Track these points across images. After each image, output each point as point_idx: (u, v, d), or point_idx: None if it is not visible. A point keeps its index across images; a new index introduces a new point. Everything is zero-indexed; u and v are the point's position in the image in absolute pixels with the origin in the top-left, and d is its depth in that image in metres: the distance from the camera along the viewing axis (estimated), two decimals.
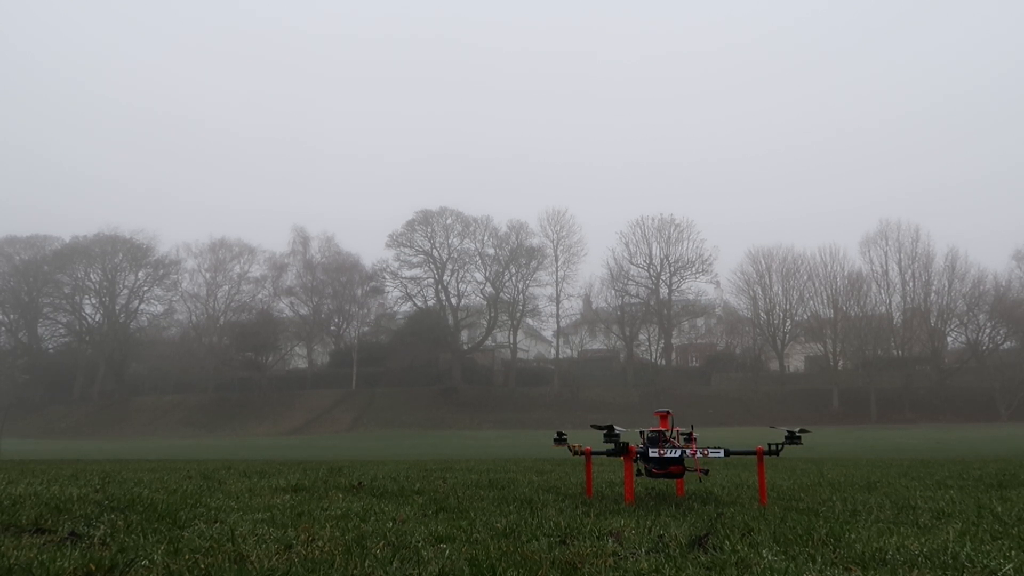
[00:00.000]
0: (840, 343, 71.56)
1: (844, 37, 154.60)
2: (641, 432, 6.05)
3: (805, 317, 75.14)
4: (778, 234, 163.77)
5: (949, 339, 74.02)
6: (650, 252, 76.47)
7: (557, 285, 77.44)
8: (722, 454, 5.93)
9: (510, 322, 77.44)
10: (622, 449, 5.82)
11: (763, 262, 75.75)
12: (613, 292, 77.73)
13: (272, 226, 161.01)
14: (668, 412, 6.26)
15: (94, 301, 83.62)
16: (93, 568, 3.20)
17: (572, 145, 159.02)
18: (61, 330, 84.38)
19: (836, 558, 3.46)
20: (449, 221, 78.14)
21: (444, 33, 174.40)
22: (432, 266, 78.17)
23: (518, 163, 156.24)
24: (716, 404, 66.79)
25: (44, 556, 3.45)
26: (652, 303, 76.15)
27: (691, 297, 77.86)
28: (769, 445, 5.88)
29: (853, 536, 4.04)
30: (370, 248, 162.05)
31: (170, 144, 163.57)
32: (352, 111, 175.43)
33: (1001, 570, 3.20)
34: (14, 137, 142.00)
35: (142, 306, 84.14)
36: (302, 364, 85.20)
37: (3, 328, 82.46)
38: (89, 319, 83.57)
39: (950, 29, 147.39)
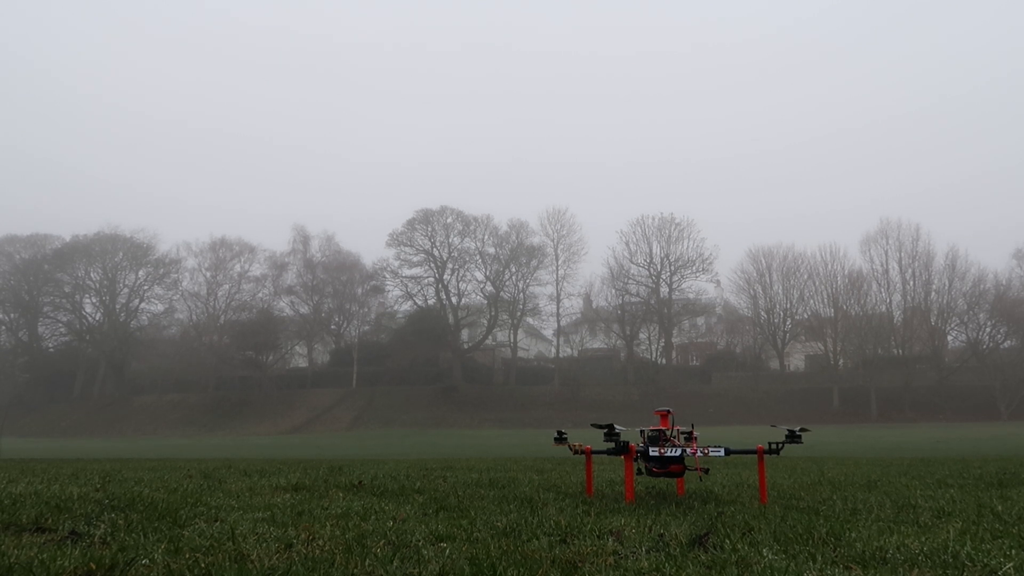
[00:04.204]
0: (840, 342, 71.56)
1: (844, 36, 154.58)
2: (641, 431, 6.05)
3: (805, 316, 75.16)
4: (778, 233, 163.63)
5: (949, 338, 74.09)
6: (650, 251, 76.58)
7: (557, 284, 77.59)
8: (722, 453, 5.93)
9: (510, 321, 77.45)
10: (622, 448, 5.82)
11: (763, 261, 75.87)
12: (613, 291, 77.88)
13: (272, 225, 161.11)
14: (668, 411, 6.26)
15: (94, 300, 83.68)
16: (94, 567, 3.20)
17: (572, 145, 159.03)
18: (61, 329, 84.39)
19: (836, 557, 3.46)
20: (449, 220, 78.20)
21: (443, 36, 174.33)
22: (432, 265, 78.24)
23: (518, 163, 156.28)
24: (716, 403, 66.79)
25: (44, 555, 3.45)
26: (652, 302, 76.16)
27: (691, 296, 77.92)
28: (769, 444, 5.88)
29: (853, 535, 4.04)
30: (370, 247, 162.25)
31: (170, 144, 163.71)
32: (352, 112, 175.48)
33: (1001, 569, 3.20)
34: (15, 138, 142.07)
35: (142, 305, 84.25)
36: (302, 363, 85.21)
37: (3, 327, 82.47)
38: (89, 318, 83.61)
39: (950, 28, 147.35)
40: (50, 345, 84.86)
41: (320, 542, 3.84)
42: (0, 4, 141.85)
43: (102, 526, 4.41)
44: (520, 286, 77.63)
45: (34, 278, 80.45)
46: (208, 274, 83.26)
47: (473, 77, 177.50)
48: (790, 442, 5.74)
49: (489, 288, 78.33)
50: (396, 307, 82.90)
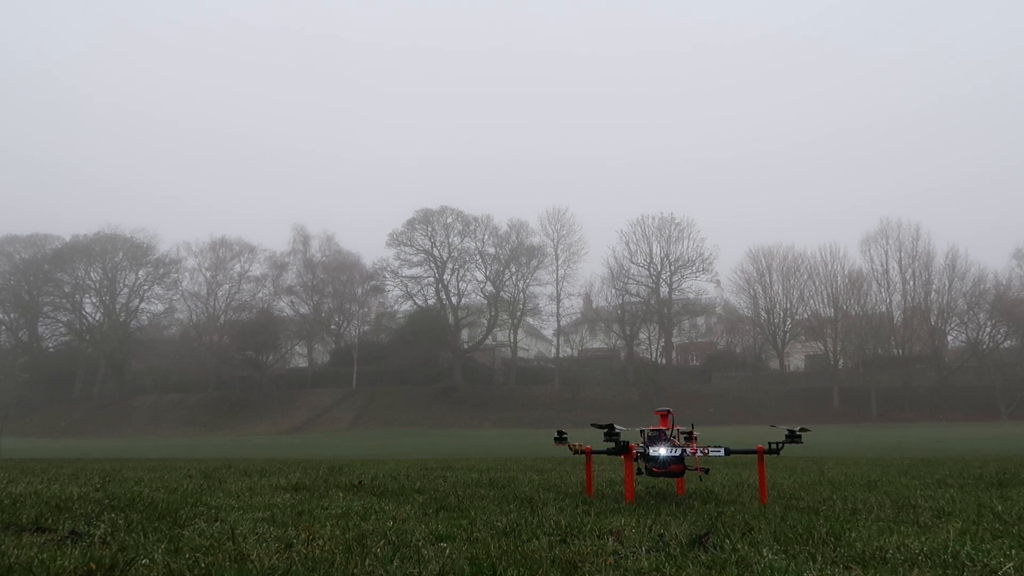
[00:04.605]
0: (840, 342, 71.56)
1: (844, 36, 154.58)
2: (641, 431, 6.04)
3: (805, 316, 75.16)
4: (778, 233, 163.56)
5: (949, 338, 74.08)
6: (650, 251, 76.55)
7: (557, 284, 77.56)
8: (722, 453, 5.93)
9: (510, 321, 77.43)
10: (622, 448, 5.82)
11: (763, 261, 75.86)
12: (613, 291, 77.84)
13: (272, 225, 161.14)
14: (668, 411, 6.26)
15: (94, 300, 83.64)
16: (93, 567, 3.20)
17: (572, 145, 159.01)
18: (61, 329, 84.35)
19: (836, 557, 3.46)
20: (449, 220, 78.17)
21: (443, 36, 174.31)
22: (432, 265, 78.21)
23: (518, 163, 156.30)
24: (716, 403, 66.78)
25: (44, 555, 3.45)
26: (652, 302, 76.15)
27: (691, 296, 77.89)
28: (769, 444, 5.88)
29: (853, 535, 4.04)
30: (370, 247, 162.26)
31: (170, 144, 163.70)
32: (352, 112, 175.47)
33: (1001, 569, 3.20)
34: (15, 138, 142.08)
35: (142, 305, 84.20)
36: (302, 363, 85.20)
37: (3, 327, 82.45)
38: (89, 318, 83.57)
39: (950, 28, 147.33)
40: (50, 345, 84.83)
41: (320, 542, 3.84)
42: (0, 4, 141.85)
43: (102, 526, 4.41)
44: (520, 286, 77.72)
45: (34, 278, 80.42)
46: (208, 274, 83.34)
47: (473, 77, 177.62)
48: (790, 442, 5.74)
49: (489, 288, 78.37)
50: (396, 307, 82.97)
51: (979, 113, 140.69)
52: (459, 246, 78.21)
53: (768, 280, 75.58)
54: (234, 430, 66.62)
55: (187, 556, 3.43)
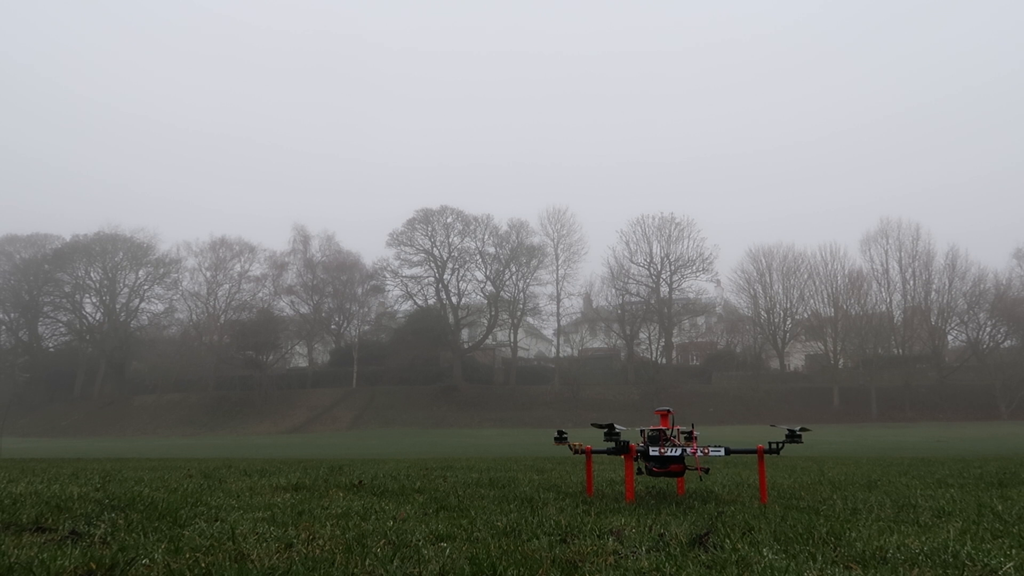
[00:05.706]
0: (841, 341, 71.54)
1: (844, 36, 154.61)
2: (642, 431, 6.05)
3: (806, 315, 75.18)
4: (778, 232, 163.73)
5: (950, 337, 74.09)
6: (651, 251, 76.56)
7: (558, 284, 77.56)
8: (723, 453, 5.93)
9: (511, 321, 77.42)
10: (622, 448, 5.82)
11: (763, 260, 75.87)
12: (614, 291, 77.86)
13: (272, 225, 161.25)
14: (669, 411, 6.26)
15: (94, 300, 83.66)
16: (94, 567, 3.20)
17: (572, 145, 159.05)
18: (62, 329, 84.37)
19: (837, 556, 3.46)
20: (449, 220, 78.14)
21: (444, 37, 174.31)
22: (433, 265, 78.18)
23: (519, 163, 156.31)
24: (717, 403, 66.77)
25: (45, 555, 3.45)
26: (653, 302, 76.14)
27: (692, 296, 77.91)
28: (770, 444, 5.88)
29: (854, 534, 4.04)
30: (370, 247, 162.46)
31: (170, 145, 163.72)
32: (353, 112, 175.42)
33: (1002, 568, 3.20)
34: (15, 139, 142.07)
35: (143, 305, 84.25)
36: (303, 363, 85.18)
37: (4, 327, 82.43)
38: (90, 318, 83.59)
39: (951, 27, 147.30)
40: (50, 345, 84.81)
41: (320, 542, 3.83)
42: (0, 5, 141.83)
43: (102, 526, 4.41)
44: (520, 286, 77.72)
45: (34, 278, 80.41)
46: (208, 274, 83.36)
47: (474, 79, 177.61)
48: (790, 442, 5.74)
49: (489, 288, 78.35)
50: (396, 307, 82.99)
51: (979, 113, 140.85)
52: (459, 246, 78.30)
53: (768, 280, 75.66)
54: (234, 430, 66.62)
55: (187, 556, 3.43)
